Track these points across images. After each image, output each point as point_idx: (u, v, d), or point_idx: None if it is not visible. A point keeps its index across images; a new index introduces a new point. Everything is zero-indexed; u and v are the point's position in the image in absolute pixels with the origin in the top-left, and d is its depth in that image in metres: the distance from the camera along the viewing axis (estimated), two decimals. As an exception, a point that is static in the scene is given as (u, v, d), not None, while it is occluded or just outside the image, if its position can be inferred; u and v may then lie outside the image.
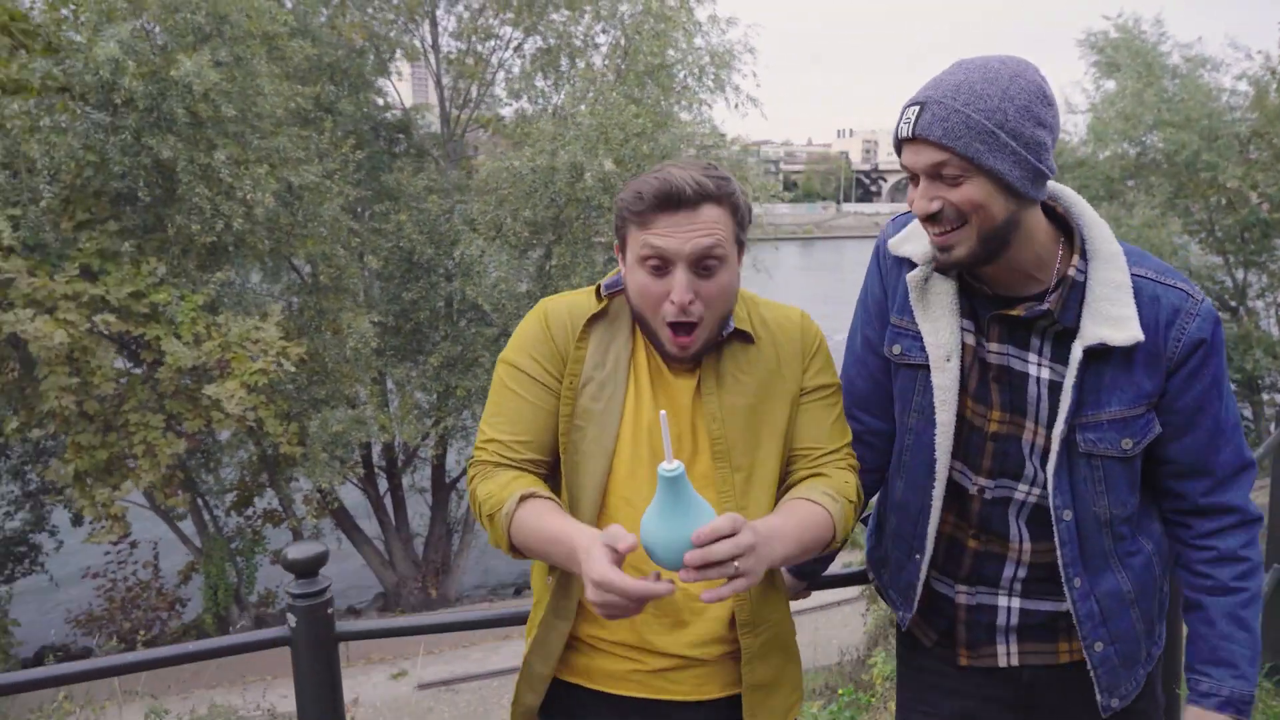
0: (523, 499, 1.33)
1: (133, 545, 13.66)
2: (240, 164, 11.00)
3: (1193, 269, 17.28)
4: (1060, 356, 1.43)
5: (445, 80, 15.51)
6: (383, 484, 15.72)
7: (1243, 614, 1.45)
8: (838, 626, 9.89)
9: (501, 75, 15.68)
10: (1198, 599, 1.47)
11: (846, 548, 1.66)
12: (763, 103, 15.06)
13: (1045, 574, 1.52)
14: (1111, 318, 1.38)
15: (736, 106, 15.06)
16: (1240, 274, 17.51)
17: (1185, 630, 1.57)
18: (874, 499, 1.72)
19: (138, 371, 11.99)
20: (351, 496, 15.48)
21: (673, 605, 1.40)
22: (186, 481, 12.83)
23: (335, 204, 12.25)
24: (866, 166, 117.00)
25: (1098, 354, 1.40)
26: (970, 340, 1.48)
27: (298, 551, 1.67)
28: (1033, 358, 1.44)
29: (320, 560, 1.69)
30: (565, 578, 1.42)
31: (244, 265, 13.24)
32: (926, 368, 1.50)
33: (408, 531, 15.94)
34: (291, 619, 1.69)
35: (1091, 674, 1.51)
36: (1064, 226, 1.45)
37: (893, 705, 2.05)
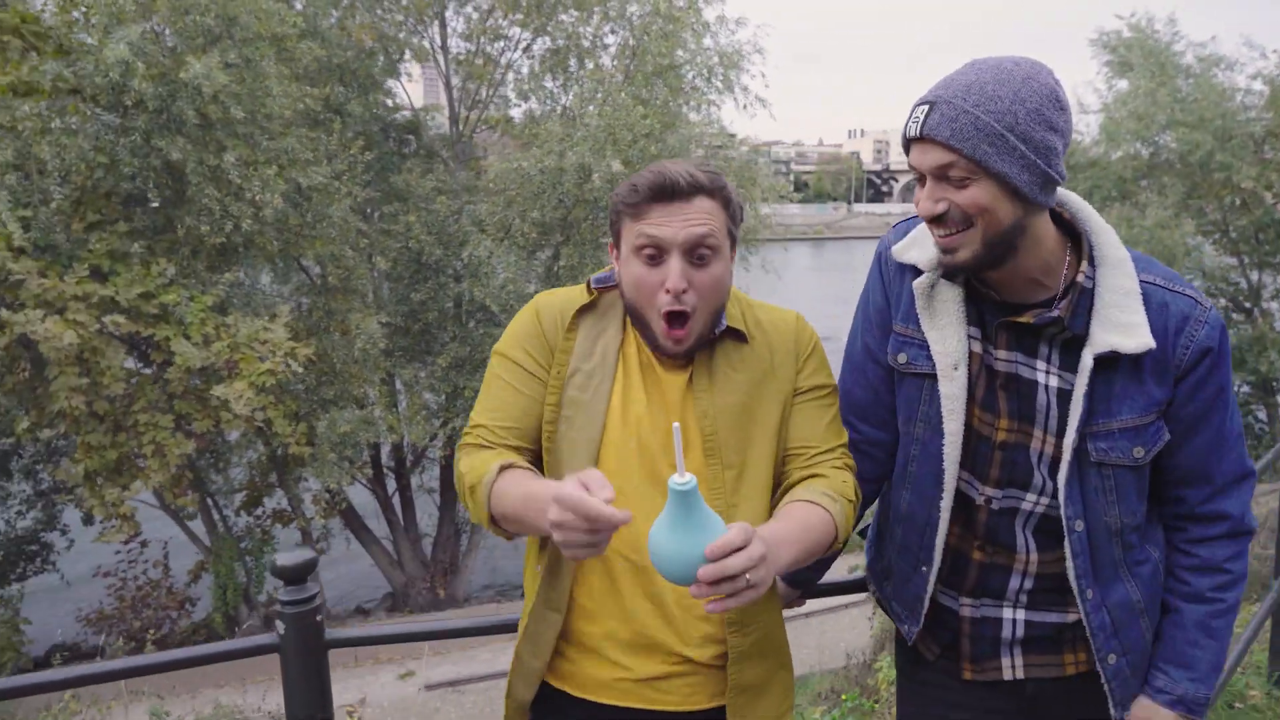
0: (503, 469, 1.33)
1: (143, 545, 13.77)
2: (249, 165, 11.02)
3: (1207, 270, 17.17)
4: (1069, 364, 1.40)
5: (454, 81, 15.53)
6: (391, 484, 15.76)
7: (1214, 624, 1.46)
8: (845, 629, 9.85)
9: (510, 76, 15.68)
10: (1174, 603, 1.49)
11: (846, 549, 1.63)
12: (771, 103, 15.05)
13: (1051, 585, 1.49)
14: (1122, 325, 1.36)
15: (745, 107, 15.04)
16: (1255, 275, 17.39)
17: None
18: (870, 509, 1.69)
19: (147, 372, 12.02)
20: (360, 497, 15.51)
21: (662, 599, 1.38)
22: (196, 481, 12.88)
23: (344, 205, 12.25)
24: (878, 167, 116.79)
25: (1107, 361, 1.37)
26: (977, 348, 1.45)
27: (287, 559, 1.67)
28: (1041, 365, 1.42)
29: (309, 567, 1.68)
30: (554, 563, 1.41)
31: (253, 266, 13.30)
32: (933, 376, 1.47)
33: (416, 532, 15.98)
34: (280, 626, 1.69)
35: (1105, 687, 1.48)
36: (1071, 232, 1.43)
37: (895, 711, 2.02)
